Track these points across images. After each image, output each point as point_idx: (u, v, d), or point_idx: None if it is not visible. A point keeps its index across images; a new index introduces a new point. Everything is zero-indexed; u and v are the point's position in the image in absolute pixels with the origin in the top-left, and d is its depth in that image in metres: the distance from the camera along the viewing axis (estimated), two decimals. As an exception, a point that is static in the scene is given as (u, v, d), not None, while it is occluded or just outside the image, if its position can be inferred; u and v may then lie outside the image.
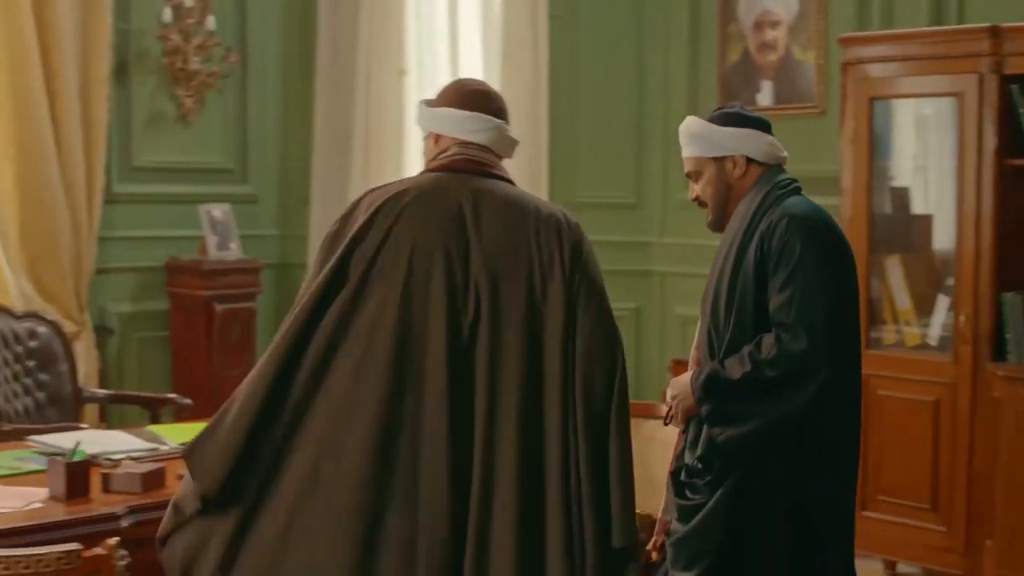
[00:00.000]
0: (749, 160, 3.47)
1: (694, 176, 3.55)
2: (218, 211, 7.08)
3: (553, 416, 2.73)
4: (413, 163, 7.51)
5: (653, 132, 7.02)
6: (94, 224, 6.74)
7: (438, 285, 2.74)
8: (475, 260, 2.78)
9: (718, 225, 3.55)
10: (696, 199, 3.56)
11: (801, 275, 3.25)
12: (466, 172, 2.90)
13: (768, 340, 3.27)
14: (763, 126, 3.53)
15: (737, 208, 3.46)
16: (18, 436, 4.71)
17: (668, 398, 3.49)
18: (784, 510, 3.32)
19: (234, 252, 7.08)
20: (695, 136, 3.52)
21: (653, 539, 3.59)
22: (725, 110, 3.56)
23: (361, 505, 2.65)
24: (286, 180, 7.74)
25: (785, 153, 3.54)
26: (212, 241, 6.99)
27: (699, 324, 3.56)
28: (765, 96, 6.48)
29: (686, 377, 3.43)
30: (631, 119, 7.10)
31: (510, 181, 2.96)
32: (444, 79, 7.36)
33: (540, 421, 2.73)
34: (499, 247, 2.80)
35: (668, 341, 6.92)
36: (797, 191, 3.46)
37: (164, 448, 4.13)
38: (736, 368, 3.29)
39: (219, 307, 6.87)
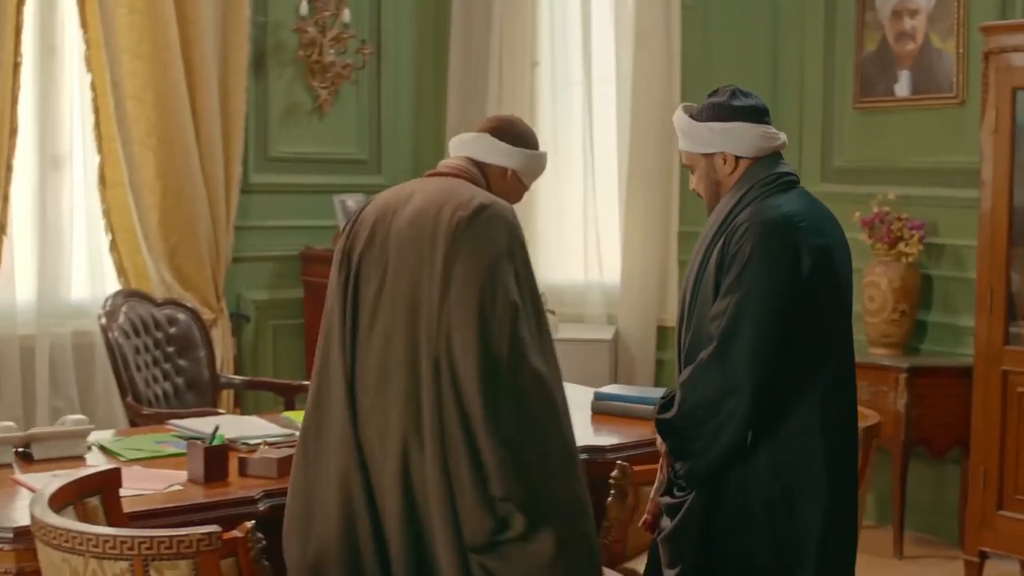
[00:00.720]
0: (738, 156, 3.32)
1: (690, 169, 3.43)
2: (352, 201, 7.16)
3: (427, 380, 2.97)
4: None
5: (787, 122, 6.91)
6: (231, 214, 6.87)
7: (362, 261, 3.12)
8: (392, 240, 3.09)
9: None
10: (694, 190, 3.45)
11: (742, 286, 3.12)
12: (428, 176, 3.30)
13: (695, 363, 3.19)
14: (753, 115, 3.32)
15: (718, 204, 3.34)
16: (158, 420, 4.84)
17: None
18: (761, 509, 3.21)
19: (367, 242, 7.16)
20: (682, 131, 3.39)
21: (644, 517, 3.55)
22: (713, 100, 3.36)
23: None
24: (419, 171, 7.77)
25: (781, 140, 3.34)
26: (346, 231, 7.08)
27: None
28: (903, 86, 6.36)
29: None
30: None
31: (469, 179, 3.23)
32: (576, 70, 7.38)
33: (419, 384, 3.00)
34: (405, 230, 3.08)
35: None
36: (786, 186, 3.28)
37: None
38: (674, 404, 3.24)
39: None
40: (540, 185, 7.47)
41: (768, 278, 3.12)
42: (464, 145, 3.33)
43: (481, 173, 3.29)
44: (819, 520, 3.21)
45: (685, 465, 3.26)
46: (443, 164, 3.30)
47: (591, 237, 7.32)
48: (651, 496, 3.57)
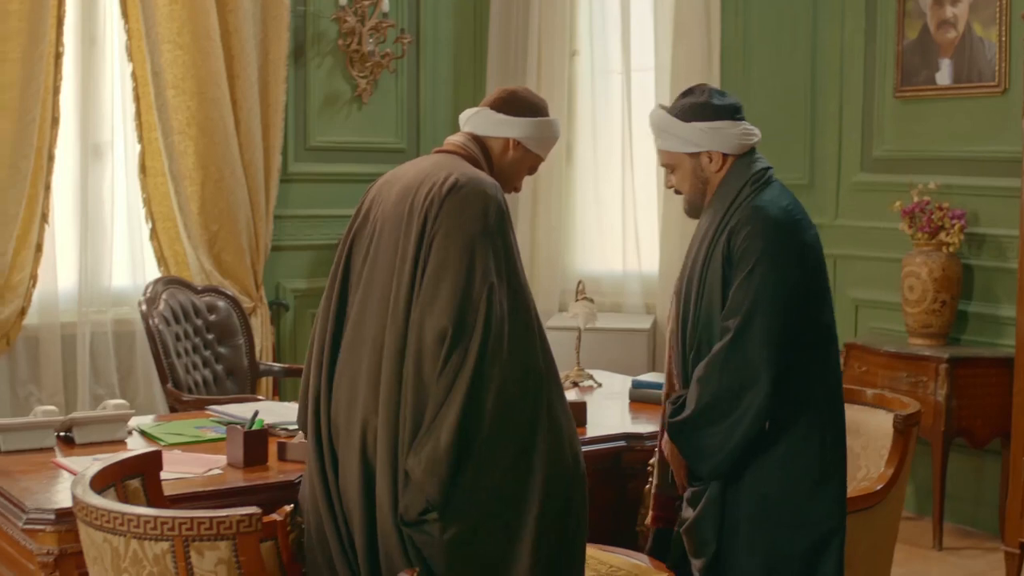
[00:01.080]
0: (724, 153, 3.41)
1: (669, 168, 3.50)
2: (390, 190, 7.17)
3: (390, 360, 2.98)
4: (583, 143, 7.52)
5: (827, 111, 6.90)
6: (271, 203, 6.90)
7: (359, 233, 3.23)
8: (379, 217, 3.15)
9: (696, 213, 3.52)
10: (673, 188, 3.53)
11: (754, 281, 3.22)
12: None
13: (709, 357, 3.26)
14: (733, 113, 3.43)
15: (711, 201, 3.41)
16: (198, 406, 4.87)
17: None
18: (779, 496, 3.28)
19: (406, 231, 7.17)
20: (665, 131, 3.45)
21: (650, 514, 3.62)
22: (692, 100, 3.44)
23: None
24: (457, 160, 7.80)
25: (757, 135, 3.44)
26: (385, 220, 7.09)
27: (669, 312, 3.53)
28: (944, 75, 6.32)
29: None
30: (804, 98, 6.98)
31: (465, 156, 3.24)
32: (615, 59, 7.37)
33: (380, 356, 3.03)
34: (391, 207, 3.13)
35: (841, 324, 6.75)
36: (770, 181, 3.39)
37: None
38: (689, 403, 3.29)
39: (390, 285, 6.95)
40: (578, 174, 7.50)
41: (779, 272, 3.22)
42: (467, 121, 3.34)
43: (482, 148, 3.29)
44: (837, 498, 3.30)
45: (703, 464, 3.30)
46: (447, 140, 3.31)
47: (629, 226, 7.31)
48: (651, 494, 3.60)
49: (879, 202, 6.49)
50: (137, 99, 6.52)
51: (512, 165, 3.32)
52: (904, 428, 3.80)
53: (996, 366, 5.89)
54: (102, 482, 2.91)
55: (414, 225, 3.02)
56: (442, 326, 2.91)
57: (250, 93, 6.73)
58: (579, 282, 5.27)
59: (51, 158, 6.24)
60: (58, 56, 6.19)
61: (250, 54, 6.72)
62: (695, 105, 3.42)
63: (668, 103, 6.92)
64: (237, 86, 6.69)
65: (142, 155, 6.57)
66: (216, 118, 6.59)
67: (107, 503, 2.70)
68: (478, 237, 2.98)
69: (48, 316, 6.35)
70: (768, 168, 3.42)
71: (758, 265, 3.22)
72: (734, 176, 3.38)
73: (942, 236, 6.04)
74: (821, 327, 3.35)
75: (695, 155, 3.42)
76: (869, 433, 3.98)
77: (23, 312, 6.23)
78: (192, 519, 2.60)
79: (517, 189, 3.41)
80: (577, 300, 5.10)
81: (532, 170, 3.40)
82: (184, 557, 2.60)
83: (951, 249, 6.04)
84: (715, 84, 6.96)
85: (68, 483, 3.28)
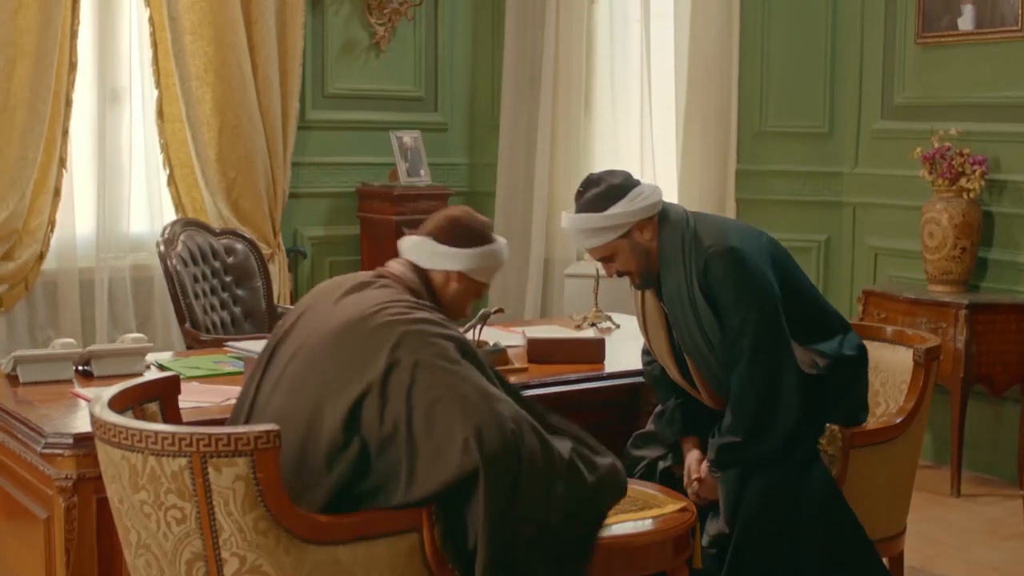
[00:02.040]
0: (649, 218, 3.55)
1: (608, 258, 3.59)
2: (408, 137, 7.16)
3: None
4: (600, 93, 7.48)
5: (847, 58, 6.84)
6: (288, 150, 6.89)
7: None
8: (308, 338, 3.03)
9: (650, 284, 3.63)
10: (617, 273, 3.62)
11: (741, 306, 3.46)
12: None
13: (735, 387, 3.49)
14: (632, 181, 3.57)
15: (664, 265, 3.55)
16: (216, 345, 4.87)
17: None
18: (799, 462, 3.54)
19: (424, 178, 7.16)
20: (592, 230, 3.55)
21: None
22: (595, 191, 3.54)
23: None
24: (476, 109, 7.79)
25: (659, 188, 3.62)
26: (403, 167, 7.08)
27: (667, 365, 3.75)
28: (966, 20, 6.25)
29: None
30: (824, 46, 6.91)
31: (406, 287, 3.13)
32: (634, 7, 7.32)
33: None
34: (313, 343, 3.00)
35: (859, 272, 6.77)
36: (690, 219, 3.57)
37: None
38: (731, 433, 3.50)
39: (409, 232, 6.93)
40: (597, 123, 7.46)
41: (756, 287, 3.48)
42: (410, 249, 3.23)
43: (424, 279, 3.18)
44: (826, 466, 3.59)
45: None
46: (389, 267, 3.21)
47: (648, 174, 7.27)
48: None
49: (899, 150, 6.44)
50: (155, 44, 6.52)
51: (456, 296, 3.22)
52: (924, 362, 3.78)
53: (1016, 312, 5.85)
54: (120, 404, 2.91)
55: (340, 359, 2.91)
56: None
57: (267, 39, 6.72)
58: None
59: (69, 103, 6.24)
60: (75, 1, 6.17)
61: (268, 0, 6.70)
62: (600, 194, 3.54)
63: (686, 51, 6.96)
64: (255, 32, 6.68)
65: (160, 101, 6.56)
66: (233, 64, 6.58)
67: (125, 420, 2.70)
68: (391, 369, 2.86)
69: (66, 261, 6.37)
70: (680, 208, 3.62)
71: (739, 291, 3.46)
72: (668, 233, 3.55)
73: (963, 182, 5.99)
74: (823, 313, 3.67)
75: (627, 235, 3.54)
76: (890, 369, 3.97)
77: (41, 257, 6.26)
78: (210, 435, 2.59)
79: (465, 315, 3.30)
80: (595, 241, 5.06)
81: (478, 296, 3.29)
82: (202, 473, 2.60)
83: (972, 195, 5.99)
84: (734, 31, 6.94)
85: (86, 412, 3.29)
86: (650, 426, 3.88)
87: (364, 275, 3.19)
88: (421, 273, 3.18)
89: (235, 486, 2.61)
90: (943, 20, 6.35)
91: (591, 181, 3.59)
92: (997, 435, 6.18)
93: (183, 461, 2.60)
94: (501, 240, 3.32)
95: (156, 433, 2.62)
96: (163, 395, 3.17)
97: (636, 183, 3.58)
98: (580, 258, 7.15)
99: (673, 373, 3.73)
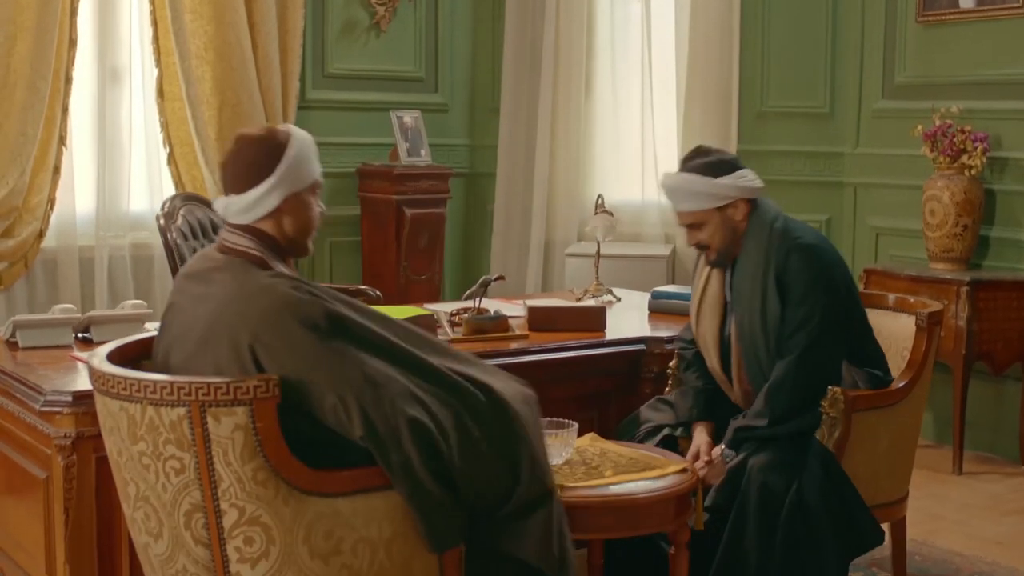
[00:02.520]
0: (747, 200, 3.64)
1: (695, 227, 3.66)
2: (409, 117, 7.15)
3: None
4: (601, 75, 7.46)
5: (848, 39, 6.82)
6: (290, 129, 6.87)
7: None
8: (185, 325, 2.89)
9: (727, 262, 3.70)
10: (697, 244, 3.69)
11: (806, 304, 3.52)
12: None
13: (777, 374, 3.55)
14: (741, 163, 3.69)
15: (746, 249, 3.62)
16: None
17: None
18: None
19: (424, 158, 7.15)
20: (696, 193, 3.61)
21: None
22: (708, 159, 3.63)
23: None
24: (476, 90, 7.77)
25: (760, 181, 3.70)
26: (403, 147, 7.07)
27: (706, 352, 3.80)
28: (967, -2, 6.24)
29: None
30: (825, 25, 6.90)
31: (254, 260, 2.90)
32: (635, -13, 7.30)
33: None
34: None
35: (860, 252, 6.76)
36: (781, 215, 3.66)
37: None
38: (758, 417, 3.55)
39: (409, 212, 6.95)
40: (597, 104, 7.44)
41: (830, 287, 3.55)
42: (231, 216, 2.94)
43: (258, 235, 2.92)
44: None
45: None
46: (225, 238, 2.95)
47: (648, 155, 7.26)
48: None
49: (900, 130, 6.43)
50: (155, 23, 6.50)
51: (297, 225, 2.97)
52: (927, 325, 3.77)
53: (1017, 290, 5.84)
54: (119, 358, 2.90)
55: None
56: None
57: (268, 18, 6.70)
58: (598, 196, 5.23)
59: (68, 80, 6.22)
60: (75, -23, 6.16)
61: (267, -23, 6.69)
62: (711, 163, 3.63)
63: (687, 29, 6.94)
64: (255, 11, 6.67)
65: (160, 79, 6.54)
66: (233, 42, 6.56)
67: (123, 371, 2.69)
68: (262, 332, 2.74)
69: (66, 239, 6.36)
70: (774, 203, 3.71)
71: (809, 291, 3.52)
72: (758, 222, 3.61)
73: (964, 159, 5.97)
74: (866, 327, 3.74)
75: (722, 208, 3.61)
76: (892, 335, 3.96)
77: (41, 234, 6.24)
78: (209, 384, 2.58)
79: (314, 228, 3.04)
80: (596, 213, 5.06)
81: (316, 198, 3.03)
82: (201, 423, 2.59)
83: (973, 172, 5.98)
84: (735, 9, 6.92)
85: (84, 373, 3.28)
86: (670, 396, 3.89)
87: (213, 257, 2.96)
88: (254, 232, 2.92)
89: (234, 436, 2.60)
90: (945, -2, 6.33)
91: (702, 151, 3.70)
92: (998, 414, 6.17)
93: (182, 411, 2.59)
94: (295, 134, 2.97)
95: (155, 382, 2.62)
96: (162, 352, 3.16)
97: (743, 165, 3.68)
98: (581, 239, 7.13)
99: (712, 362, 3.76)
